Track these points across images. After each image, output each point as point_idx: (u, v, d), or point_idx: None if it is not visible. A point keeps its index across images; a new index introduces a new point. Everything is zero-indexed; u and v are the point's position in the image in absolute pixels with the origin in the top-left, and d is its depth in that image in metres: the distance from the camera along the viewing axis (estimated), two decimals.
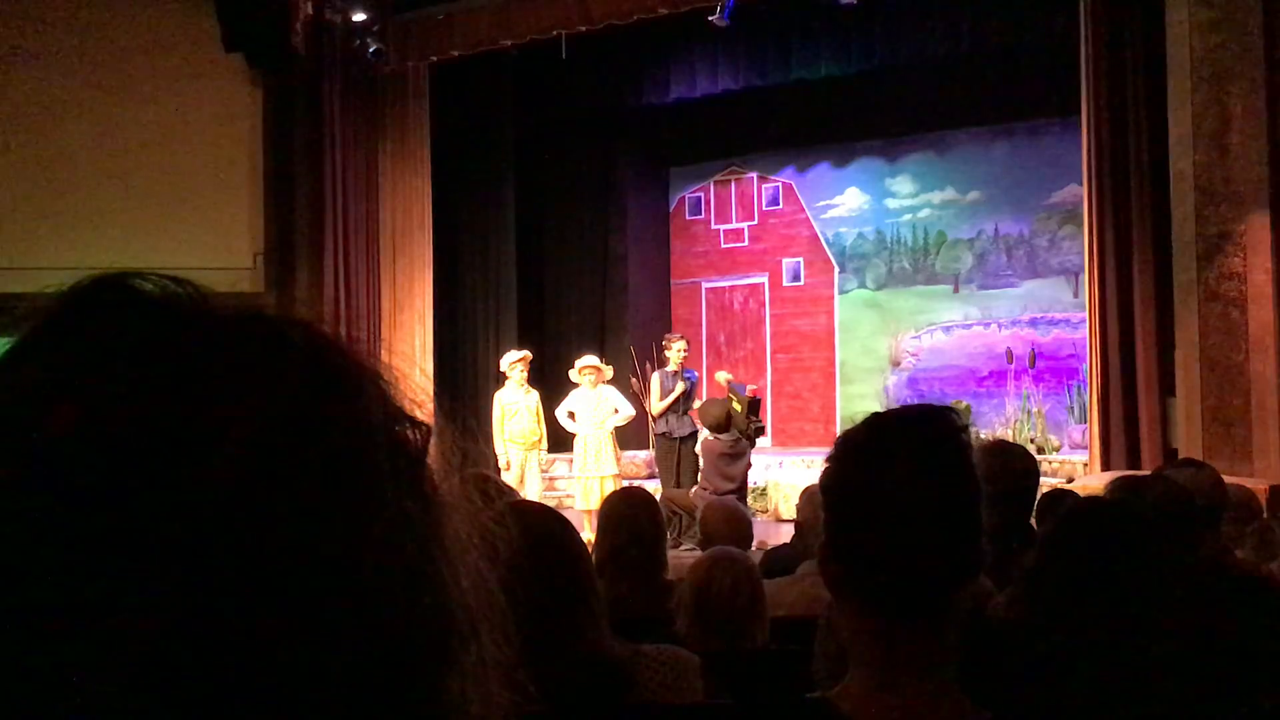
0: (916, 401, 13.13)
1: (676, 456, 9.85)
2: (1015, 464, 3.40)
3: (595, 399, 9.91)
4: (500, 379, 10.40)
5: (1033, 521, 3.70)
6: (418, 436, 0.49)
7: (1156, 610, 1.87)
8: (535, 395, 10.02)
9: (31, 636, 0.40)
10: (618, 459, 10.09)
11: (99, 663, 0.40)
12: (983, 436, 10.69)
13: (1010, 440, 9.75)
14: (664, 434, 9.96)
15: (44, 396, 0.43)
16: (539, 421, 9.95)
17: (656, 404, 9.95)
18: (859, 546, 1.27)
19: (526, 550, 1.93)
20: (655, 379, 10.20)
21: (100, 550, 0.40)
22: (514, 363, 9.98)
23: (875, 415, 1.36)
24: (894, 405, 10.80)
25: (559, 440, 10.46)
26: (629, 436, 11.78)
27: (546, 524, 2.04)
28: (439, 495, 0.49)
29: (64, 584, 0.40)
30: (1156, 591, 1.91)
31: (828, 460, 1.33)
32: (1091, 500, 2.22)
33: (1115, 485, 3.29)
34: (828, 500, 1.32)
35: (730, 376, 10.49)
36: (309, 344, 0.47)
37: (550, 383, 10.86)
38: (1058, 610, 1.90)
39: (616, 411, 9.98)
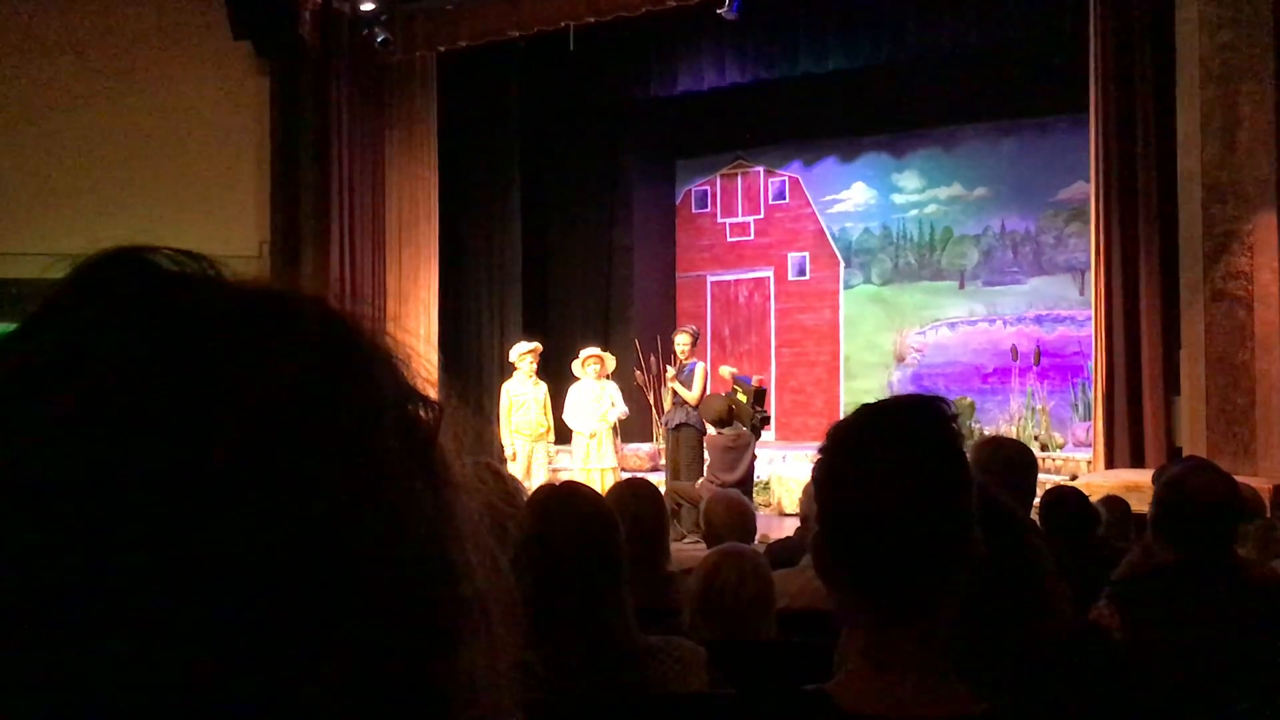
0: None
1: (672, 445, 9.87)
2: (1010, 455, 3.40)
3: (597, 391, 9.91)
4: (508, 370, 10.40)
5: (1034, 517, 3.70)
6: (429, 415, 0.49)
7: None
8: (544, 387, 10.00)
9: (31, 623, 0.40)
10: (617, 451, 10.12)
11: (108, 644, 0.40)
12: (986, 433, 10.69)
13: (1011, 436, 9.76)
14: (663, 424, 10.08)
15: (54, 369, 0.43)
16: (546, 413, 9.94)
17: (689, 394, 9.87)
18: (851, 537, 1.27)
19: (570, 534, 1.97)
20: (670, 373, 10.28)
21: (107, 529, 0.40)
22: (524, 354, 9.97)
23: (866, 406, 1.36)
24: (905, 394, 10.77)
25: (565, 433, 10.46)
26: (633, 430, 11.78)
27: (593, 511, 2.09)
28: (449, 475, 0.49)
29: (67, 565, 0.40)
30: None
31: (820, 451, 1.33)
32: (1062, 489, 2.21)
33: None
34: (820, 491, 1.33)
35: (734, 370, 10.49)
36: (321, 320, 0.47)
37: (555, 375, 10.86)
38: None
39: (614, 405, 9.98)
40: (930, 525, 1.25)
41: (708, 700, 2.01)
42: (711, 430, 9.32)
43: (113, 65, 11.00)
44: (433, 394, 0.50)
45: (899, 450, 1.26)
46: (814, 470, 1.34)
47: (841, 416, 1.95)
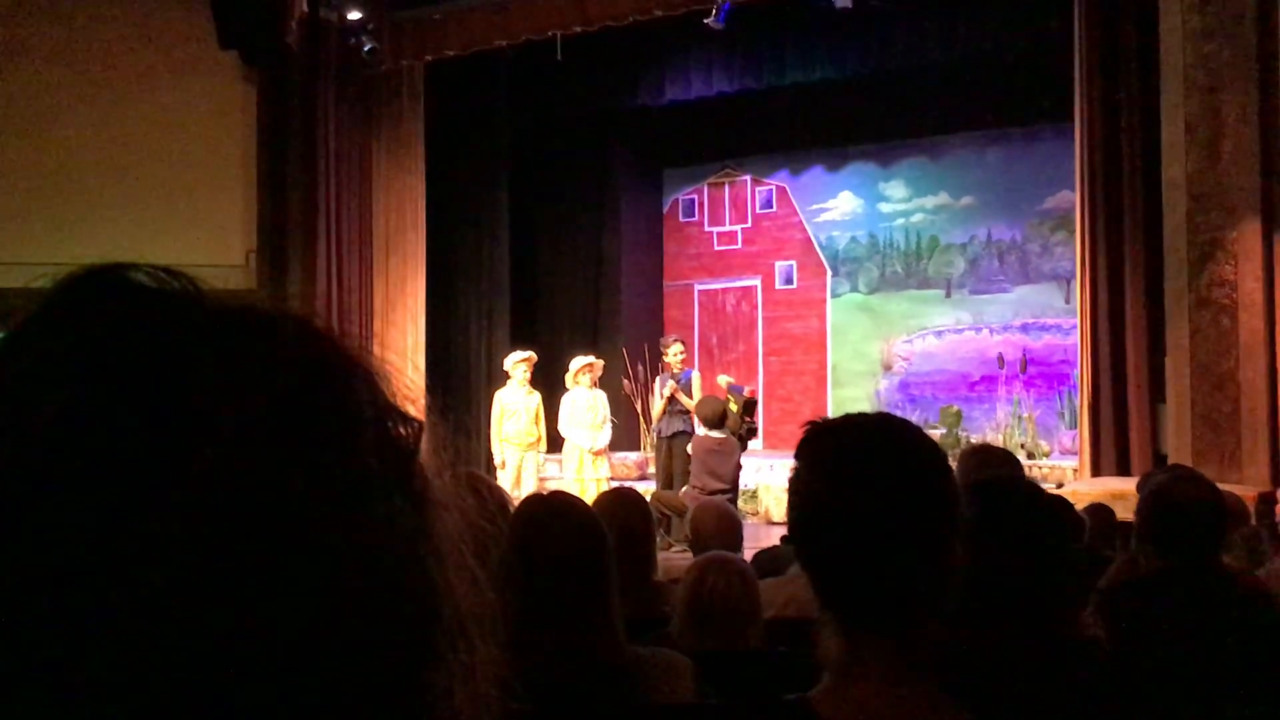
0: (908, 405, 13.16)
1: (667, 454, 9.86)
2: (995, 463, 3.41)
3: (591, 400, 9.90)
4: (496, 379, 10.36)
5: None
6: (409, 432, 0.49)
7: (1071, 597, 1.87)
8: (537, 397, 9.98)
9: (13, 633, 0.40)
10: (609, 462, 10.13)
11: (80, 660, 0.40)
12: (972, 441, 10.71)
13: (998, 444, 9.79)
14: (655, 434, 10.09)
15: (35, 387, 0.43)
16: (537, 422, 9.91)
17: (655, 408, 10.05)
18: (821, 549, 1.27)
19: (558, 545, 1.97)
20: (657, 383, 10.30)
21: (81, 545, 0.40)
22: (517, 362, 9.94)
23: (847, 418, 1.36)
24: (883, 409, 10.82)
25: (554, 442, 10.44)
26: (621, 439, 11.76)
27: (582, 522, 2.09)
28: (429, 492, 0.49)
29: (46, 579, 0.40)
30: (1064, 577, 1.91)
31: (796, 457, 1.33)
32: (998, 482, 2.20)
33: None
34: (792, 500, 1.32)
35: (731, 380, 10.53)
36: (301, 338, 0.47)
37: (542, 383, 10.85)
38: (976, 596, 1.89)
39: (606, 421, 9.98)
40: (905, 539, 1.24)
41: (691, 711, 2.00)
42: (700, 431, 9.33)
43: (99, 74, 10.97)
44: (415, 410, 0.50)
45: (869, 469, 1.26)
46: (789, 482, 1.34)
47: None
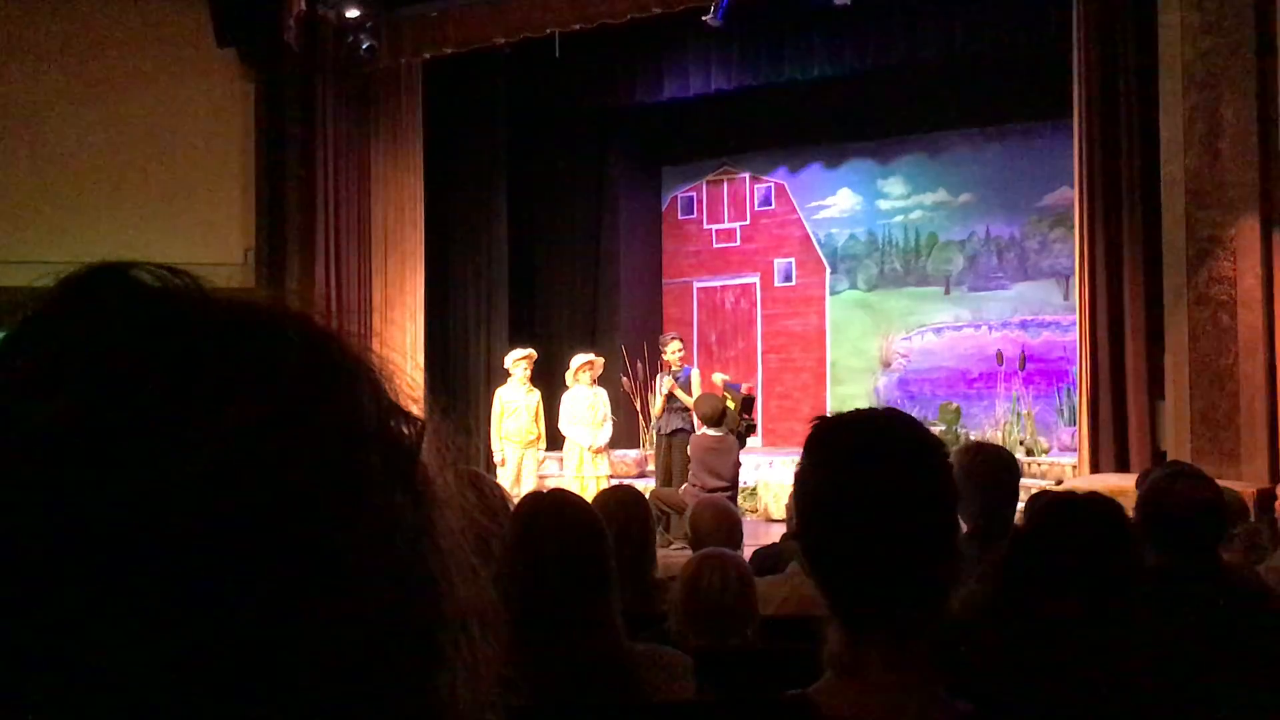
0: (907, 402, 13.16)
1: (666, 452, 9.88)
2: (991, 459, 3.42)
3: (591, 399, 9.91)
4: (495, 377, 10.37)
5: (1018, 521, 3.71)
6: (411, 431, 0.49)
7: (1126, 605, 1.88)
8: (537, 395, 10.00)
9: (14, 634, 0.40)
10: (609, 459, 10.15)
11: (84, 661, 0.40)
12: (971, 438, 10.72)
13: (997, 441, 9.79)
14: (654, 431, 10.12)
15: (38, 386, 0.43)
16: (537, 420, 9.93)
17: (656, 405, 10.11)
18: (826, 543, 1.27)
19: (558, 543, 1.98)
20: (656, 381, 10.34)
21: (85, 542, 0.40)
22: (518, 360, 9.96)
23: (855, 414, 1.36)
24: (884, 406, 10.82)
25: (554, 440, 10.45)
26: (620, 436, 11.78)
27: (581, 520, 2.09)
28: (431, 491, 0.49)
29: (48, 577, 0.40)
30: (1128, 586, 1.91)
31: (804, 452, 1.33)
32: (1068, 494, 2.22)
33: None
34: (798, 494, 1.32)
35: (727, 377, 10.54)
36: (304, 337, 0.47)
37: (541, 381, 10.86)
38: (1029, 601, 1.90)
39: (606, 418, 10.00)
40: (909, 535, 1.24)
41: (691, 708, 2.01)
42: (700, 429, 9.34)
43: (97, 72, 10.96)
44: (417, 409, 0.50)
45: (880, 458, 1.26)
46: (796, 471, 1.34)
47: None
